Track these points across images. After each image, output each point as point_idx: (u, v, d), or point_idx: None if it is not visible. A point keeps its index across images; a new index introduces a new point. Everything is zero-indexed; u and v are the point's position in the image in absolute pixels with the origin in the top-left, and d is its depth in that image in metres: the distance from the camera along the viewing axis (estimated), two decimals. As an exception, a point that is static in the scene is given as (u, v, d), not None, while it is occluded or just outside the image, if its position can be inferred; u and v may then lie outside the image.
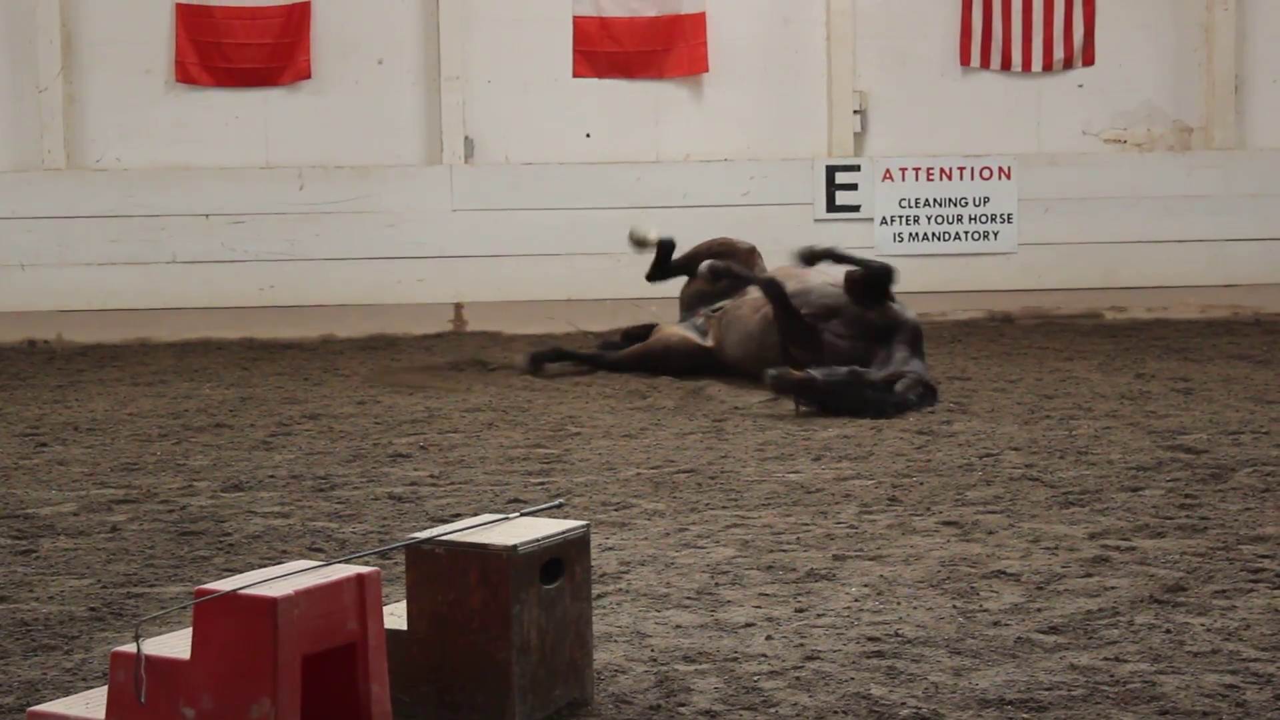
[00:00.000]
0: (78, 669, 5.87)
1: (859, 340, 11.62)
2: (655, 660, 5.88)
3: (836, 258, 12.16)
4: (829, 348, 11.63)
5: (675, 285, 13.59)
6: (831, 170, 16.14)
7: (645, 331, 13.37)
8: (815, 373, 11.03)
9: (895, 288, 11.82)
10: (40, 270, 15.47)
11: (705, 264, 12.83)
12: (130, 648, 4.62)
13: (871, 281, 11.66)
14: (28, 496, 8.77)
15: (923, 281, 16.08)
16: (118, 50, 15.75)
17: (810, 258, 12.29)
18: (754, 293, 12.40)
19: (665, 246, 13.28)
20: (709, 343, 12.67)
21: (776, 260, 13.28)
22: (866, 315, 11.67)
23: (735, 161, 16.18)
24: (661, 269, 13.34)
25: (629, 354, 13.00)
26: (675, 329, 13.00)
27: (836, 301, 11.80)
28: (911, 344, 11.60)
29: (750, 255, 13.06)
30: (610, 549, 7.48)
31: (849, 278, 11.79)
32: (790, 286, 11.96)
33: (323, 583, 4.69)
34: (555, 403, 11.77)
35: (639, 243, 13.37)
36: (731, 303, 12.70)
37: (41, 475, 9.35)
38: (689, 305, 13.13)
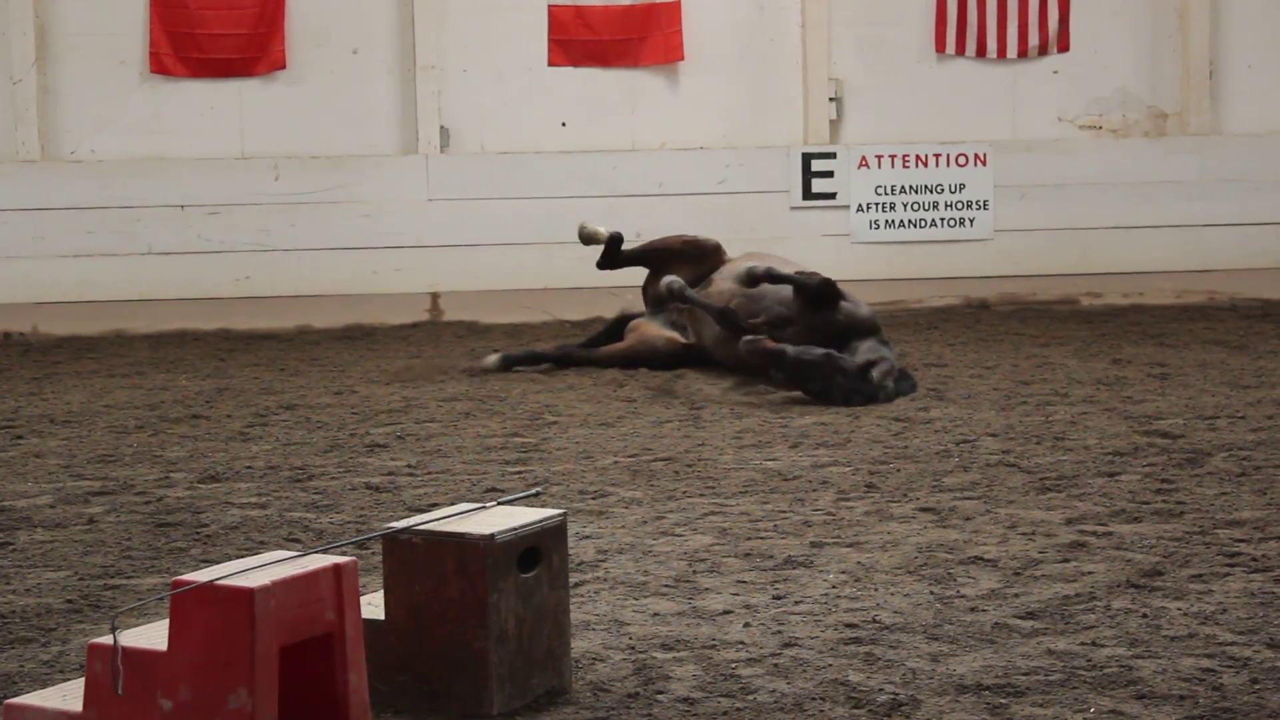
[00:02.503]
0: (55, 661, 5.86)
1: (816, 344, 11.60)
2: (633, 648, 5.88)
3: (774, 278, 11.99)
4: None
5: (633, 274, 13.39)
6: (807, 158, 16.13)
7: (617, 328, 13.19)
8: (788, 348, 11.11)
9: (859, 281, 11.84)
10: (15, 262, 15.40)
11: (665, 283, 12.40)
12: (107, 639, 4.61)
13: (815, 295, 11.62)
14: (4, 489, 8.75)
15: (899, 268, 16.12)
16: (92, 41, 15.69)
17: (750, 280, 12.08)
18: (721, 284, 12.33)
19: (615, 240, 13.04)
20: (690, 339, 12.54)
21: (744, 249, 13.29)
22: (822, 319, 11.60)
23: (711, 149, 16.16)
24: (612, 259, 13.12)
25: (609, 353, 12.79)
26: (655, 328, 12.73)
27: (790, 310, 11.74)
28: (874, 335, 11.60)
29: (717, 253, 12.89)
30: (588, 537, 7.48)
31: (796, 289, 11.74)
32: (737, 302, 11.90)
33: (300, 573, 4.69)
34: (532, 392, 11.76)
35: (588, 239, 13.18)
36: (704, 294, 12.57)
37: (18, 467, 9.32)
38: (656, 301, 12.87)
